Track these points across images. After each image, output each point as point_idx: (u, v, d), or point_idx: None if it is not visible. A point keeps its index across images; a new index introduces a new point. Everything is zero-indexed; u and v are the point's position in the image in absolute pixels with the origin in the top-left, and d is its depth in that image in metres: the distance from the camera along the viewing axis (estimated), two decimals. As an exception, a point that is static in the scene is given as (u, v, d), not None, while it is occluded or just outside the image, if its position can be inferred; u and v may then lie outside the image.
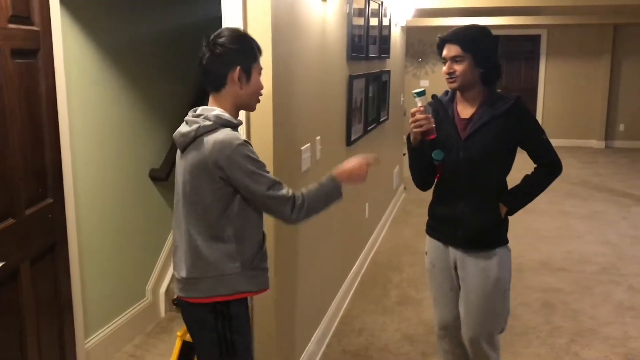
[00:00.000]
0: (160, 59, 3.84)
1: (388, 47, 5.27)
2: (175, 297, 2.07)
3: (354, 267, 4.40)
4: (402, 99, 6.94)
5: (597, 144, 11.01)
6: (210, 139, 1.85)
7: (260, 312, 2.64)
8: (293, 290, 2.93)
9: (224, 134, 1.86)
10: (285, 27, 2.60)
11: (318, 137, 3.18)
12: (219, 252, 1.92)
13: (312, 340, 3.27)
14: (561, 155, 2.48)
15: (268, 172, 1.91)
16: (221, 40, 1.92)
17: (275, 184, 1.90)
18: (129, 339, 3.56)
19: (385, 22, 5.03)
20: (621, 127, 11.07)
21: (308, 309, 3.22)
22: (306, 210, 1.95)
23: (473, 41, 2.31)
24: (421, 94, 2.32)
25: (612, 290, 4.38)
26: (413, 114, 2.32)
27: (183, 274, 1.98)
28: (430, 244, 2.60)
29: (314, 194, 1.99)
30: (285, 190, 1.92)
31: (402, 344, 3.58)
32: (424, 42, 11.37)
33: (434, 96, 2.54)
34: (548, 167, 2.45)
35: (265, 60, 2.45)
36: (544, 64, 11.05)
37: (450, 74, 2.34)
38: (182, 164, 1.96)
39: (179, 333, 2.24)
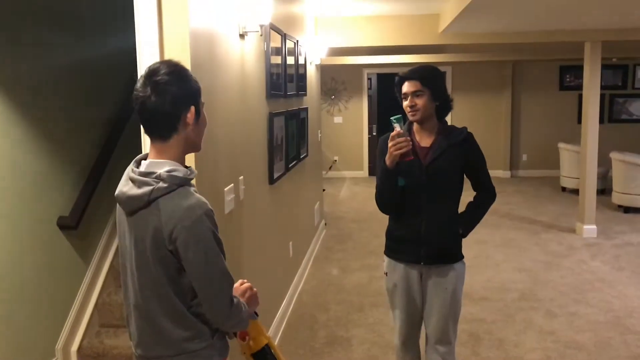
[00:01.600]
0: (66, 96, 3.62)
1: (305, 85, 5.28)
2: None
3: (281, 308, 4.27)
4: (320, 135, 6.96)
5: (503, 173, 11.54)
6: (168, 207, 1.59)
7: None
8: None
9: (183, 198, 1.61)
10: (204, 63, 2.51)
11: (241, 177, 3.08)
12: (182, 328, 1.68)
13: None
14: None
15: (223, 257, 1.67)
16: (167, 78, 1.62)
17: (227, 284, 1.67)
18: (36, 406, 3.23)
19: (301, 60, 5.05)
20: (524, 157, 11.68)
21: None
22: (240, 314, 1.73)
23: (430, 78, 2.59)
24: (399, 119, 2.48)
25: (532, 316, 4.50)
26: (393, 138, 2.48)
27: (140, 351, 1.75)
28: (390, 265, 2.78)
29: (244, 308, 1.76)
30: (228, 298, 1.68)
31: (335, 387, 3.46)
32: (336, 80, 11.58)
33: (408, 122, 2.71)
34: (488, 193, 2.76)
35: (185, 99, 2.34)
36: (450, 99, 11.50)
37: (412, 107, 2.58)
38: (131, 226, 1.68)
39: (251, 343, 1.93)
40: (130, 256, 1.71)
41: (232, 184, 2.92)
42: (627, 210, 8.10)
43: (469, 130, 2.72)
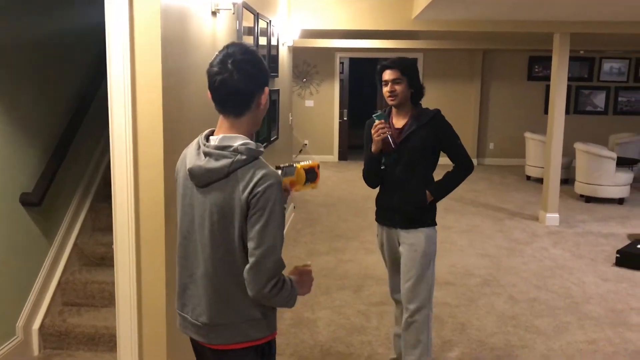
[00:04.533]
0: (31, 70, 3.53)
1: (277, 67, 5.24)
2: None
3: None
4: (291, 118, 6.93)
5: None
6: (247, 176, 1.68)
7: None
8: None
9: (260, 168, 1.70)
10: (175, 40, 2.47)
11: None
12: (246, 297, 1.74)
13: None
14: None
15: (281, 231, 1.72)
16: (247, 58, 1.72)
17: (277, 250, 1.71)
18: (-4, 384, 3.18)
19: (273, 41, 5.01)
20: (491, 145, 11.86)
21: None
22: (279, 294, 1.73)
23: (407, 67, 2.98)
24: (380, 116, 2.95)
25: (494, 301, 4.60)
26: (376, 127, 2.93)
27: (204, 319, 1.80)
28: (378, 229, 3.25)
29: (292, 288, 1.80)
30: (277, 264, 1.71)
31: (299, 368, 3.49)
32: (309, 63, 11.53)
33: (389, 108, 3.12)
34: (462, 165, 3.10)
35: (155, 75, 2.31)
36: (421, 85, 11.57)
37: (392, 92, 2.96)
38: (201, 199, 1.75)
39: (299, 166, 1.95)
40: (200, 227, 1.76)
41: (201, 164, 2.90)
42: (589, 199, 8.30)
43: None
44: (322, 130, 11.84)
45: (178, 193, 1.87)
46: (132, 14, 2.28)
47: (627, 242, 6.18)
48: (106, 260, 3.89)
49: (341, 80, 11.76)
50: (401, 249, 3.10)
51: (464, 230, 6.71)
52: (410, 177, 3.03)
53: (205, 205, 1.74)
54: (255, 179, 1.68)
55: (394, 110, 3.09)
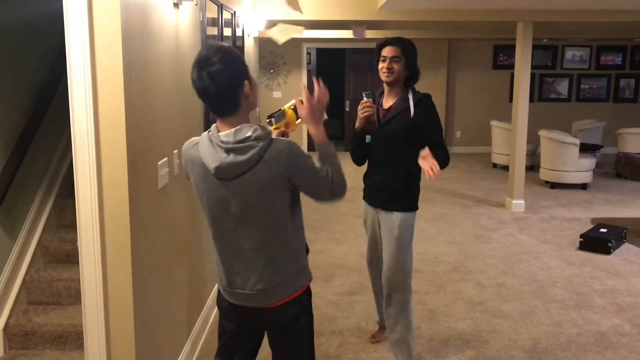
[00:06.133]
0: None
1: (242, 58, 5.20)
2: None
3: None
4: (258, 109, 6.89)
5: (438, 150, 11.79)
6: (274, 153, 1.90)
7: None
8: (157, 301, 2.74)
9: (278, 144, 1.93)
10: (136, 32, 2.43)
11: (176, 151, 3.02)
12: (293, 255, 2.06)
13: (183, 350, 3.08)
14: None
15: (316, 165, 2.02)
16: (217, 67, 1.85)
17: (326, 172, 2.02)
18: (-40, 387, 3.11)
19: (238, 32, 4.96)
20: (458, 134, 11.99)
21: (179, 314, 3.03)
22: (333, 178, 2.03)
23: (408, 48, 3.01)
24: (369, 95, 3.00)
25: (462, 287, 4.67)
26: (362, 104, 2.98)
27: (260, 286, 2.04)
28: (364, 205, 3.37)
29: (328, 164, 2.05)
30: (332, 175, 2.03)
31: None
32: (275, 54, 11.46)
33: (380, 91, 3.20)
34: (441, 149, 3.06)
35: (116, 68, 2.27)
36: (388, 75, 11.61)
37: (389, 69, 2.98)
38: (233, 189, 1.94)
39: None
40: (239, 213, 1.96)
41: (166, 158, 2.86)
42: (554, 185, 8.47)
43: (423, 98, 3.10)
44: (291, 121, 11.79)
45: (200, 191, 2.02)
46: (91, 5, 2.23)
47: (590, 226, 6.33)
48: (72, 258, 3.83)
49: (309, 71, 11.73)
50: (382, 229, 3.20)
51: (432, 219, 6.79)
52: (392, 158, 3.08)
53: (241, 193, 1.93)
54: (282, 153, 1.91)
55: (386, 90, 3.14)
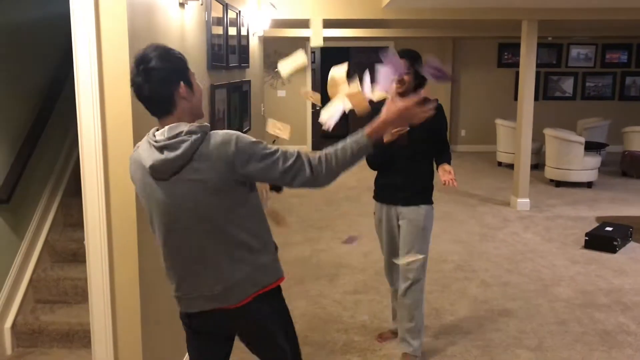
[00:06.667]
0: (-4, 67, 3.45)
1: (247, 57, 5.21)
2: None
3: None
4: (263, 108, 6.91)
5: (443, 148, 11.79)
6: (212, 147, 1.79)
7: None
8: (158, 299, 2.76)
9: (217, 134, 1.82)
10: (142, 32, 2.44)
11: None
12: (251, 252, 1.92)
13: None
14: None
15: (269, 146, 1.87)
16: (152, 64, 1.81)
17: (285, 156, 1.86)
18: (-32, 385, 3.13)
19: (243, 31, 4.97)
20: (462, 132, 11.97)
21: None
22: (326, 167, 1.89)
23: (415, 60, 3.22)
24: None
25: (467, 286, 4.67)
26: None
27: (219, 288, 1.92)
28: (377, 206, 3.51)
29: (338, 151, 1.92)
30: (294, 158, 1.87)
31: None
32: (280, 53, 11.46)
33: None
34: (446, 151, 3.39)
35: (122, 68, 2.28)
36: (392, 74, 11.61)
37: (400, 82, 3.18)
38: (171, 191, 1.84)
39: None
40: (183, 215, 1.85)
41: (172, 157, 2.88)
42: (559, 184, 8.46)
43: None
44: (295, 120, 11.81)
45: (141, 197, 1.94)
46: (97, 5, 2.24)
47: (596, 224, 6.32)
48: (78, 257, 3.85)
49: (313, 70, 11.73)
50: (401, 223, 3.34)
51: (437, 217, 6.66)
52: (413, 159, 3.30)
53: (179, 194, 1.82)
54: (222, 146, 1.79)
55: (397, 98, 3.29)
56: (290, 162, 1.86)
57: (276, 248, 2.07)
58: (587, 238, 5.65)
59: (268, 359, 2.13)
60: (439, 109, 3.30)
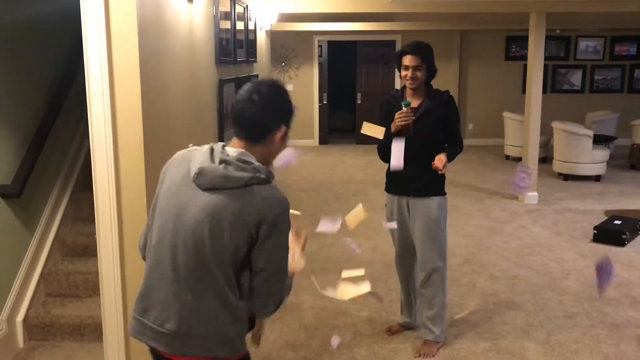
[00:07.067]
0: (6, 55, 3.47)
1: (255, 51, 5.22)
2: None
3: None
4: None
5: (450, 142, 11.76)
6: (263, 193, 1.72)
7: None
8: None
9: (274, 192, 1.75)
10: (151, 27, 2.45)
11: (191, 144, 3.04)
12: (228, 310, 1.74)
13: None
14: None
15: (289, 260, 1.83)
16: (273, 91, 1.78)
17: (284, 272, 1.79)
18: (-19, 377, 3.17)
19: (250, 26, 4.98)
20: (470, 126, 11.93)
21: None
22: (281, 305, 1.85)
23: (427, 55, 3.22)
24: (407, 104, 3.20)
25: (476, 279, 4.67)
26: (401, 113, 3.18)
27: (170, 326, 1.72)
28: (388, 198, 3.53)
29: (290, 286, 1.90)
30: (286, 296, 1.83)
31: (285, 351, 3.53)
32: (287, 47, 11.47)
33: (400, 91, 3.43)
34: (458, 144, 3.43)
35: (132, 62, 2.30)
36: (399, 67, 11.59)
37: (413, 78, 3.21)
38: (200, 201, 1.70)
39: None
40: (190, 228, 1.70)
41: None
42: (567, 177, 8.43)
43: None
44: (302, 114, 11.80)
45: (162, 189, 1.81)
46: (107, 0, 2.26)
47: (604, 218, 6.30)
48: (88, 251, 3.88)
49: (320, 64, 11.72)
50: (414, 215, 3.39)
51: (445, 211, 6.76)
52: (425, 151, 3.29)
53: (203, 208, 1.69)
54: (270, 203, 1.71)
55: (408, 90, 3.34)
56: (280, 280, 1.78)
57: (252, 325, 1.89)
58: (595, 232, 5.63)
59: None
60: (450, 99, 3.38)
